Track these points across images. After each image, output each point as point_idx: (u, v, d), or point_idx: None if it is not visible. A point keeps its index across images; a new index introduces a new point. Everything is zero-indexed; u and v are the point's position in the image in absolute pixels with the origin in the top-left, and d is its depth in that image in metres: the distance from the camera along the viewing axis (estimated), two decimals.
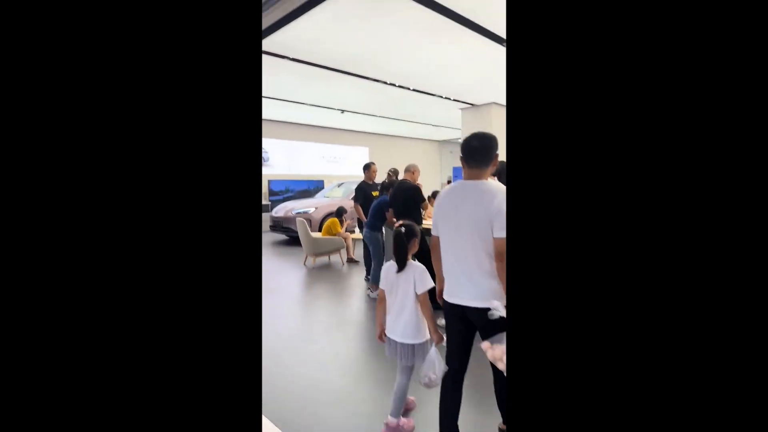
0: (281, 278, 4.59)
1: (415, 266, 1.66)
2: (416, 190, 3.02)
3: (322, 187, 10.26)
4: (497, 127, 7.54)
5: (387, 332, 1.72)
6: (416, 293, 1.63)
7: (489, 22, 3.81)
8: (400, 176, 3.68)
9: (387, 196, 3.37)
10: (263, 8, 3.19)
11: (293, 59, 4.87)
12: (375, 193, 4.07)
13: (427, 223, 3.31)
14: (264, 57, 4.71)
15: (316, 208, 6.76)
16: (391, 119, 9.51)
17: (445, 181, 12.63)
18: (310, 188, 10.08)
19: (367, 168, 4.00)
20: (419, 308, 1.65)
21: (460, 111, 7.94)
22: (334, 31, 4.07)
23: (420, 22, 3.78)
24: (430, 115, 8.93)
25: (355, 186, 7.96)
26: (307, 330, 3.03)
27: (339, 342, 2.79)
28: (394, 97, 6.95)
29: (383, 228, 3.54)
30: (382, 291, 1.75)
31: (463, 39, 4.17)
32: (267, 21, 3.40)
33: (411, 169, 3.13)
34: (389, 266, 1.71)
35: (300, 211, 6.74)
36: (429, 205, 3.02)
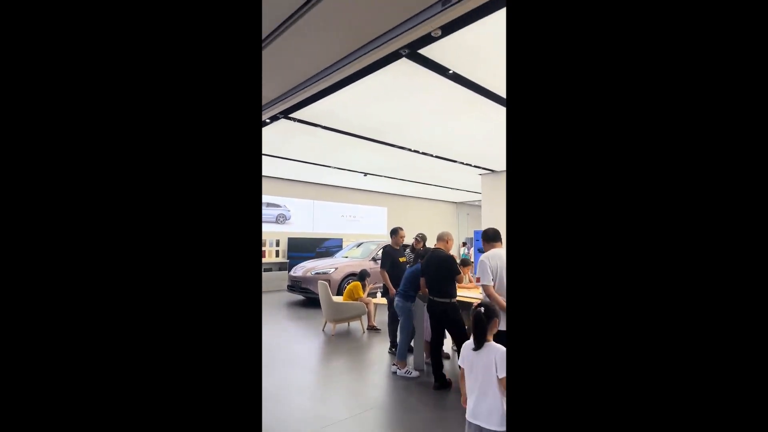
0: (298, 346, 4.37)
1: (496, 348, 1.62)
2: (452, 261, 2.91)
3: (341, 246, 10.25)
4: None
5: (468, 416, 1.66)
6: (498, 377, 1.59)
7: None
8: (429, 242, 3.61)
9: (420, 265, 3.27)
10: (300, 87, 3.41)
11: (325, 127, 5.13)
12: (402, 259, 3.98)
13: (462, 295, 3.15)
14: (295, 124, 4.98)
15: (336, 268, 6.66)
16: (411, 182, 9.72)
17: (461, 243, 12.49)
18: (329, 247, 10.07)
19: (395, 233, 3.95)
20: (503, 393, 1.58)
21: (479, 176, 8.07)
22: (363, 104, 4.32)
23: (444, 95, 3.98)
24: (449, 178, 9.11)
25: (373, 246, 8.05)
26: (324, 412, 2.76)
27: None
28: (416, 162, 7.16)
29: (416, 298, 3.37)
30: (462, 369, 1.77)
31: (485, 110, 4.34)
32: (300, 97, 3.62)
33: (445, 238, 3.05)
34: (468, 344, 1.75)
35: (320, 271, 6.64)
36: (462, 277, 2.89)
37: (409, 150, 6.21)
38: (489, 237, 2.74)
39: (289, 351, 4.16)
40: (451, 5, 1.98)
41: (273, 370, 3.46)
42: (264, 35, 2.50)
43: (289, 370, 3.57)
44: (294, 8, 2.15)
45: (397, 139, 5.78)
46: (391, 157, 6.86)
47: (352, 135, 5.48)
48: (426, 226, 12.69)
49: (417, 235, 4.06)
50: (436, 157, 6.62)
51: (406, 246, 4.27)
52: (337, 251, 9.08)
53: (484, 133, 5.32)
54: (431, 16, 2.14)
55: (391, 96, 4.10)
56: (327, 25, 2.33)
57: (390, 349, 4.00)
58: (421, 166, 7.63)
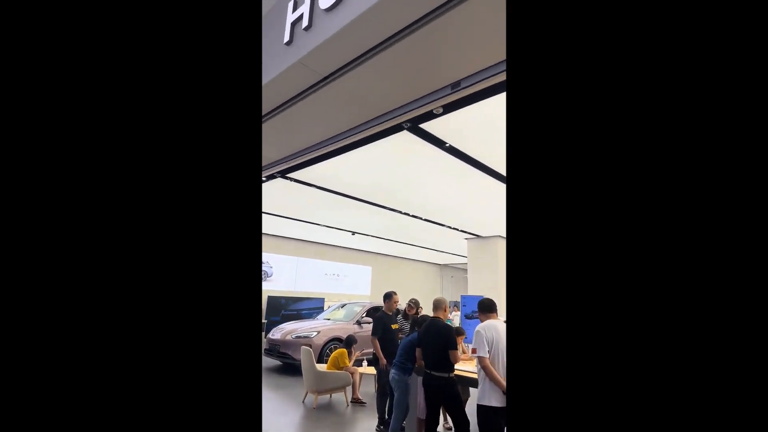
0: (277, 420, 3.96)
1: None
2: (451, 332, 2.82)
3: (322, 307, 9.86)
4: (502, 257, 7.70)
5: None
6: None
7: (499, 167, 4.21)
8: (423, 308, 3.51)
9: (416, 334, 3.14)
10: (302, 153, 3.52)
11: (320, 188, 5.21)
12: (394, 326, 3.82)
13: (458, 368, 3.00)
14: (289, 183, 5.04)
15: (319, 332, 6.32)
16: (397, 242, 9.75)
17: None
18: (311, 307, 9.66)
19: (389, 297, 3.83)
20: None
21: (465, 240, 8.20)
22: (359, 168, 4.46)
23: (439, 165, 4.16)
24: (435, 241, 9.20)
25: (358, 307, 7.77)
26: None
27: None
28: (404, 223, 7.24)
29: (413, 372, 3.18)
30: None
31: (476, 180, 4.54)
32: (300, 160, 3.71)
33: (443, 306, 2.98)
34: None
35: (301, 335, 6.28)
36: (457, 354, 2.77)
37: (399, 212, 6.31)
38: (485, 307, 2.74)
39: (267, 424, 3.75)
40: (460, 89, 2.15)
41: None
42: (275, 106, 2.61)
43: None
44: (309, 84, 2.28)
45: (388, 202, 5.90)
46: (381, 218, 6.94)
47: (346, 196, 5.57)
48: (410, 287, 12.51)
49: (410, 301, 3.95)
50: (425, 220, 6.74)
51: (398, 312, 4.14)
52: (316, 314, 8.72)
53: (473, 200, 5.51)
54: (438, 98, 2.30)
55: (388, 162, 4.25)
56: (338, 101, 2.47)
57: (378, 426, 3.67)
58: (409, 228, 7.72)
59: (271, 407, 4.39)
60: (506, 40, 0.70)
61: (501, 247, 7.67)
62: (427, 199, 5.63)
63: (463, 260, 11.76)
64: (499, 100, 2.61)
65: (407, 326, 3.91)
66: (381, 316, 3.79)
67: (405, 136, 3.40)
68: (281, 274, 9.58)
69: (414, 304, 3.91)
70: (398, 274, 12.67)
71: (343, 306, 8.06)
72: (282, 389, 5.22)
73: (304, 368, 4.57)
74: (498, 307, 2.81)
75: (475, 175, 4.37)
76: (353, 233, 8.55)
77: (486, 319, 2.69)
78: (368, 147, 3.75)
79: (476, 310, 7.15)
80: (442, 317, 2.98)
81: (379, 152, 3.95)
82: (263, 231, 8.80)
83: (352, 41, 1.87)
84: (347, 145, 3.44)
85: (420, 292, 12.61)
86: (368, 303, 7.75)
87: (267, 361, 7.11)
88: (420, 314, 4.01)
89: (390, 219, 6.88)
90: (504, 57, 1.84)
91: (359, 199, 5.74)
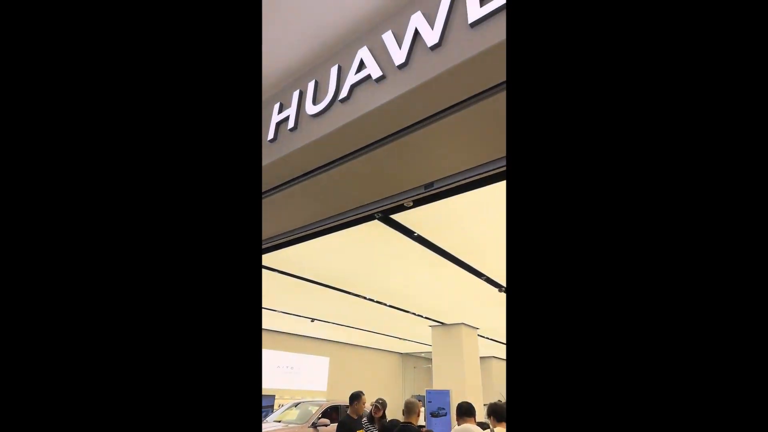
0: None
1: None
2: None
3: (272, 406, 8.73)
4: (467, 345, 7.52)
5: None
6: None
7: (466, 257, 4.35)
8: (389, 409, 3.20)
9: None
10: (270, 240, 3.46)
11: (281, 272, 5.01)
12: (360, 431, 3.42)
13: None
14: None
15: None
16: (358, 329, 9.28)
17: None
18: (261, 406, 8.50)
19: (356, 399, 3.48)
20: None
21: (429, 327, 8.01)
22: (325, 254, 4.42)
23: (406, 253, 4.23)
24: (398, 328, 8.88)
25: (313, 407, 6.94)
26: None
27: None
28: (367, 309, 7.01)
29: None
30: None
31: (443, 268, 4.62)
32: (265, 245, 3.63)
33: (416, 410, 2.75)
34: None
35: None
36: None
37: (364, 298, 6.14)
38: (463, 411, 2.62)
39: None
40: (432, 189, 2.29)
41: None
42: None
43: None
44: (289, 178, 2.34)
45: (353, 287, 5.76)
46: (343, 304, 6.68)
47: (309, 281, 5.38)
48: (371, 378, 11.60)
49: (377, 402, 3.61)
50: (389, 306, 6.58)
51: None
52: (265, 414, 7.68)
53: (439, 288, 5.53)
54: (411, 196, 2.44)
55: (356, 248, 4.27)
56: (314, 194, 2.54)
57: None
58: (372, 314, 7.45)
59: None
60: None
61: (466, 335, 7.54)
62: (392, 285, 5.57)
63: (426, 348, 11.29)
64: (469, 196, 2.81)
65: None
66: (345, 421, 3.40)
67: (374, 224, 3.49)
68: None
69: (381, 405, 3.57)
70: (358, 364, 11.80)
71: (296, 405, 7.20)
72: None
73: None
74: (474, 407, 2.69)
75: (442, 263, 4.46)
76: (312, 320, 8.07)
77: (463, 423, 2.56)
78: (336, 234, 3.78)
79: (442, 407, 6.69)
80: (414, 422, 2.73)
81: (347, 239, 3.97)
82: None
83: (334, 146, 1.99)
84: (317, 232, 3.45)
85: (381, 383, 11.70)
86: (325, 402, 7.01)
87: None
88: (386, 416, 3.66)
89: (353, 304, 6.65)
90: (476, 163, 2.03)
91: (323, 285, 5.56)
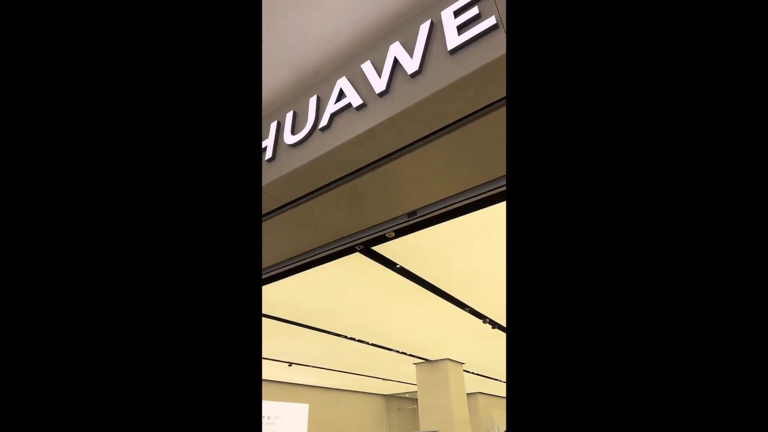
0: None
1: None
2: None
3: None
4: (453, 381, 7.25)
5: None
6: None
7: (450, 288, 4.27)
8: None
9: None
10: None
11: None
12: None
13: None
14: None
15: None
16: (338, 371, 8.81)
17: None
18: None
19: None
20: None
21: (413, 365, 7.71)
22: (302, 292, 4.24)
23: (387, 286, 4.12)
24: (381, 368, 8.51)
25: None
26: None
27: None
28: (348, 349, 6.70)
29: None
30: None
31: (426, 301, 4.51)
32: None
33: None
34: None
35: None
36: None
37: (344, 337, 5.87)
38: None
39: None
40: (416, 217, 2.25)
41: None
42: None
43: None
44: (266, 210, 2.24)
45: (332, 326, 5.51)
46: (322, 345, 6.36)
47: (286, 321, 5.10)
48: (354, 424, 10.92)
49: None
50: (372, 344, 6.31)
51: None
52: None
53: (423, 322, 5.37)
54: (394, 225, 2.38)
55: (336, 284, 4.12)
56: (293, 226, 2.44)
57: None
58: (353, 354, 7.11)
59: None
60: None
61: (451, 371, 7.29)
62: (374, 322, 5.37)
63: (410, 388, 10.81)
64: (452, 224, 2.78)
65: None
66: None
67: (355, 258, 3.38)
68: None
69: None
70: (340, 410, 11.11)
71: None
72: None
73: None
74: None
75: (426, 296, 4.36)
76: (290, 364, 7.61)
77: None
78: (315, 269, 3.64)
79: None
80: None
81: (326, 275, 3.84)
82: None
83: (315, 175, 1.93)
84: (295, 268, 3.30)
85: (365, 428, 10.99)
86: None
87: None
88: None
89: (333, 345, 6.33)
90: (459, 189, 2.02)
91: (301, 325, 5.28)
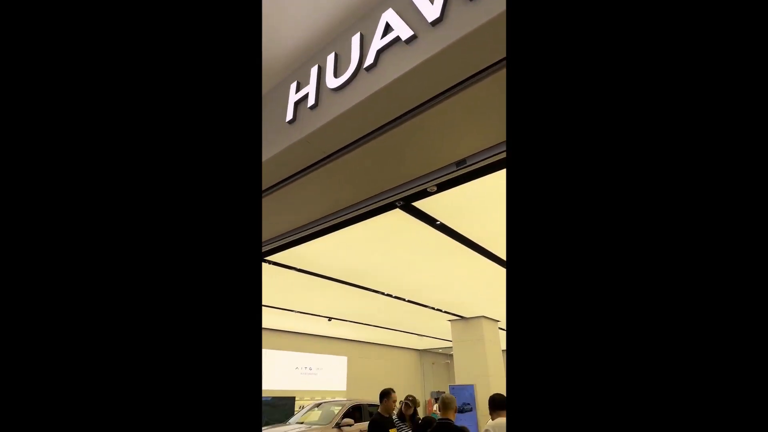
0: None
1: None
2: None
3: (293, 407, 8.64)
4: (489, 338, 7.33)
5: None
6: None
7: (488, 244, 4.17)
8: (420, 407, 3.05)
9: None
10: (288, 234, 3.32)
11: (299, 270, 4.88)
12: (392, 430, 3.27)
13: None
14: (267, 266, 4.70)
15: None
16: (375, 327, 9.15)
17: (430, 398, 11.20)
18: (280, 407, 8.43)
19: (386, 396, 3.31)
20: None
21: (448, 322, 7.83)
22: (343, 248, 4.29)
23: (427, 242, 4.07)
24: (416, 324, 8.73)
25: (336, 407, 6.80)
26: None
27: None
28: (385, 306, 6.87)
29: None
30: None
31: (464, 258, 4.45)
32: (283, 241, 3.50)
33: (453, 406, 2.59)
34: None
35: None
36: None
37: (382, 293, 5.99)
38: (496, 404, 2.47)
39: None
40: (465, 166, 2.12)
41: None
42: (270, 185, 2.48)
43: None
44: (311, 162, 2.19)
45: (371, 283, 5.62)
46: (360, 301, 6.55)
47: (326, 278, 5.25)
48: (389, 376, 11.48)
49: (407, 399, 3.45)
50: (408, 301, 6.42)
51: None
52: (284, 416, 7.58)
53: (460, 280, 5.36)
54: (441, 176, 2.27)
55: (375, 241, 4.13)
56: (338, 179, 2.38)
57: None
58: (390, 311, 7.31)
59: None
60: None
61: (486, 329, 7.36)
62: (411, 279, 5.41)
63: (444, 344, 11.12)
64: (489, 178, 2.64)
65: (406, 430, 3.36)
66: (377, 420, 3.24)
67: (396, 214, 3.33)
68: None
69: (411, 402, 3.41)
70: (375, 363, 11.69)
71: (318, 406, 7.08)
72: None
73: None
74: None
75: (464, 253, 4.29)
76: (330, 319, 7.95)
77: (497, 417, 2.41)
78: (356, 226, 3.64)
79: (467, 402, 6.52)
80: (451, 418, 2.57)
81: (366, 232, 3.83)
82: None
83: (360, 121, 1.83)
84: (334, 225, 3.30)
85: (400, 381, 11.55)
86: (347, 401, 6.87)
87: None
88: (417, 413, 3.50)
89: (371, 301, 6.51)
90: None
91: (340, 281, 5.43)
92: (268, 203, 2.67)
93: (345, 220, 3.16)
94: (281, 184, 2.45)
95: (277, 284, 5.59)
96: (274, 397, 8.64)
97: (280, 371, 9.15)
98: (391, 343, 11.90)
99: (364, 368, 11.15)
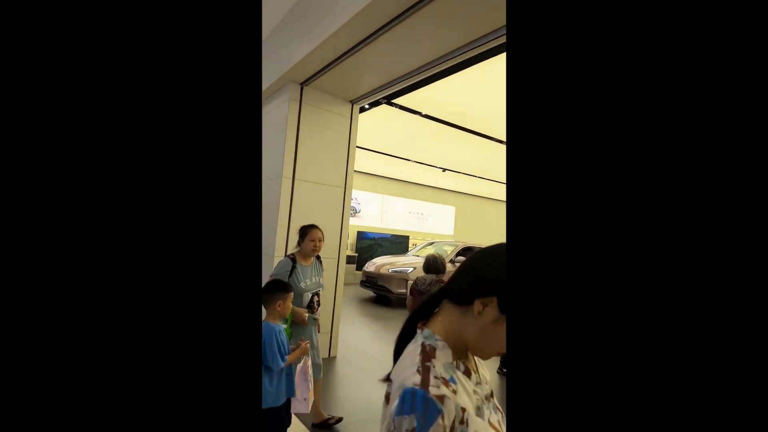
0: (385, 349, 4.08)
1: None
2: None
3: (407, 244, 9.94)
4: None
5: None
6: None
7: None
8: None
9: None
10: (404, 78, 3.10)
11: (419, 113, 4.81)
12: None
13: None
14: (395, 111, 4.72)
15: (414, 268, 6.32)
16: (484, 179, 9.15)
17: None
18: (397, 243, 9.82)
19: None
20: None
21: None
22: (458, 93, 4.02)
23: None
24: None
25: (448, 246, 7.59)
26: None
27: None
28: (497, 157, 6.64)
29: None
30: None
31: None
32: (399, 86, 3.31)
33: None
34: None
35: (397, 270, 6.35)
36: None
37: (500, 142, 5.70)
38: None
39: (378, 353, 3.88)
40: None
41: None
42: (376, 28, 2.26)
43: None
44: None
45: (492, 131, 5.35)
46: (475, 151, 6.40)
47: (447, 123, 5.13)
48: (492, 228, 12.01)
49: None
50: None
51: None
52: (397, 250, 8.76)
53: None
54: None
55: (490, 86, 3.75)
56: (452, 14, 1.98)
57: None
58: (501, 163, 7.07)
59: (373, 335, 4.56)
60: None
61: None
62: None
63: None
64: None
65: None
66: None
67: None
68: (367, 211, 9.73)
69: None
70: (482, 214, 12.18)
71: (431, 244, 7.95)
72: (381, 320, 5.41)
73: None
74: None
75: None
76: (444, 170, 8.14)
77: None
78: (470, 70, 3.25)
79: None
80: None
81: (480, 76, 3.45)
82: (354, 168, 8.84)
83: None
84: (446, 70, 2.98)
85: (503, 235, 12.05)
86: (461, 243, 7.51)
87: (361, 292, 7.47)
88: None
89: (483, 151, 6.31)
90: None
91: (460, 127, 5.26)
92: (377, 46, 2.50)
93: (456, 65, 2.81)
94: (392, 24, 2.19)
95: (397, 131, 5.70)
96: (393, 234, 9.97)
97: (395, 214, 10.27)
98: (498, 197, 12.03)
99: (469, 219, 11.78)
